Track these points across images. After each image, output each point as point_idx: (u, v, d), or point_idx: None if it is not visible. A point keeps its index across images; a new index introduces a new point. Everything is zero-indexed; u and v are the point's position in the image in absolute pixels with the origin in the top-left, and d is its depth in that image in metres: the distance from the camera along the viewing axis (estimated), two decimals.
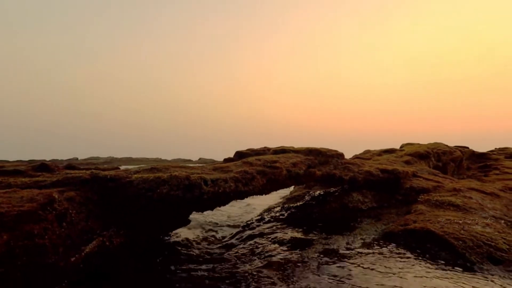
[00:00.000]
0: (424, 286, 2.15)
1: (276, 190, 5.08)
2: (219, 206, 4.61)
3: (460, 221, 3.05)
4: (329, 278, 2.38)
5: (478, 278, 2.30)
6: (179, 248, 3.64)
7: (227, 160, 5.19)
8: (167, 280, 2.52)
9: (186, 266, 2.87)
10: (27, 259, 1.62)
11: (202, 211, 4.53)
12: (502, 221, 3.19)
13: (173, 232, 4.45)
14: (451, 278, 2.29)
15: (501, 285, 2.14)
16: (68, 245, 2.00)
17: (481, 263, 2.45)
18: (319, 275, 2.44)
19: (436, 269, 2.48)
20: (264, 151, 5.62)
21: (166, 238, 4.10)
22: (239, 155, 5.33)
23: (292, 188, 7.63)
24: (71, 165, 3.82)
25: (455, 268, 2.48)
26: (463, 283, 2.20)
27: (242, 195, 4.02)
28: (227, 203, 4.62)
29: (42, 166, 3.31)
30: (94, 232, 2.48)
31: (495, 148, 11.98)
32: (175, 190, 3.07)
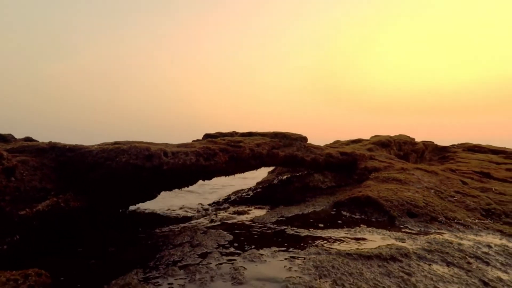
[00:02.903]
0: (348, 231, 2.49)
1: (242, 171, 5.28)
2: (186, 185, 4.74)
3: (395, 189, 3.45)
4: (272, 230, 2.65)
5: (393, 227, 2.73)
6: (142, 218, 3.78)
7: (195, 141, 5.35)
8: (124, 241, 2.66)
9: (143, 233, 3.03)
10: None
11: (169, 189, 4.64)
12: (432, 191, 3.63)
13: (138, 206, 4.57)
14: (372, 227, 2.68)
15: (407, 231, 2.55)
16: (16, 197, 2.09)
17: (400, 217, 2.86)
18: (264, 228, 2.70)
19: (365, 222, 2.85)
20: (232, 134, 5.83)
21: (130, 210, 4.21)
22: (207, 136, 5.50)
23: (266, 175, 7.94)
24: (30, 138, 3.81)
25: (380, 222, 2.87)
26: (379, 229, 2.60)
27: (204, 171, 4.17)
28: (193, 181, 4.76)
29: None
30: (48, 193, 2.56)
31: (457, 143, 13.00)
32: (134, 159, 3.20)
